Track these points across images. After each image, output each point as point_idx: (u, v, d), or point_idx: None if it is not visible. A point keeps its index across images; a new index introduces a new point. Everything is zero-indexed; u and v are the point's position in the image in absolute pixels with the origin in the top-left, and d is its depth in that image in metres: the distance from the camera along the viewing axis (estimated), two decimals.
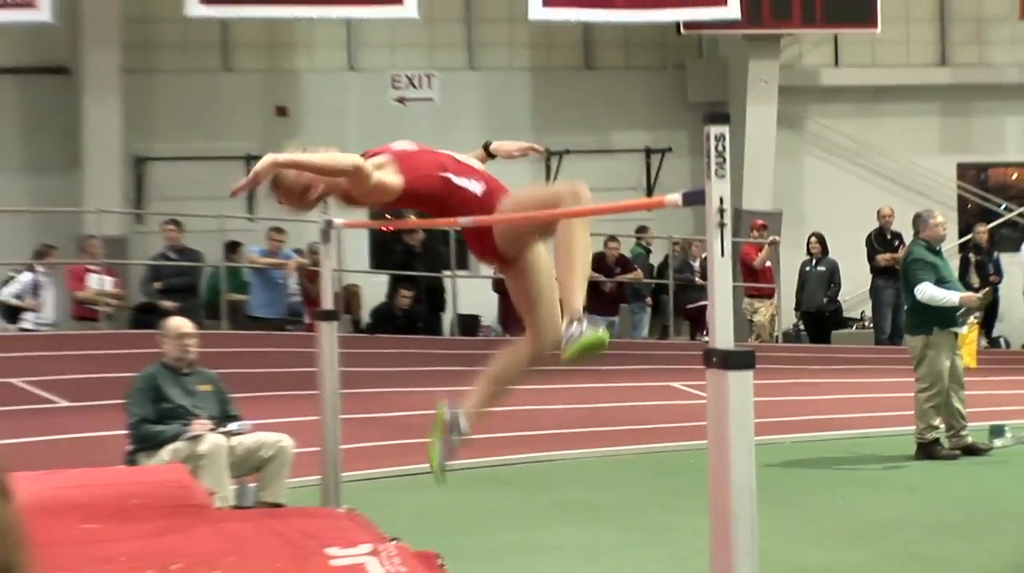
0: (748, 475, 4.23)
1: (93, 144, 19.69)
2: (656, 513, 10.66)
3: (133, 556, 5.60)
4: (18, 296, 17.94)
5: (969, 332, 13.52)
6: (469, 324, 20.61)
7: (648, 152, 22.74)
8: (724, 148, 4.18)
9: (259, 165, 5.95)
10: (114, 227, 19.44)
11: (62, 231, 19.56)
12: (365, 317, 20.27)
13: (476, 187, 6.09)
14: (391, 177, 6.03)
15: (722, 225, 4.15)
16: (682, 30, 21.48)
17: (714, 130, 4.16)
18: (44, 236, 19.11)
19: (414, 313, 19.53)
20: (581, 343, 5.69)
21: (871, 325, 21.74)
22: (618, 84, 22.69)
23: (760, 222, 21.10)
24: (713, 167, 4.17)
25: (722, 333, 4.24)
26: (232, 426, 10.12)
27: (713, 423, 4.28)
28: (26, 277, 18.06)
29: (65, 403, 13.73)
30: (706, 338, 4.35)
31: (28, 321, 18.00)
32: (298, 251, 19.05)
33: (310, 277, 18.50)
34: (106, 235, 18.50)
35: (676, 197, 4.52)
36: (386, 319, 19.50)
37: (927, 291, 12.69)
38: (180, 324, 10.55)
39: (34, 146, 20.75)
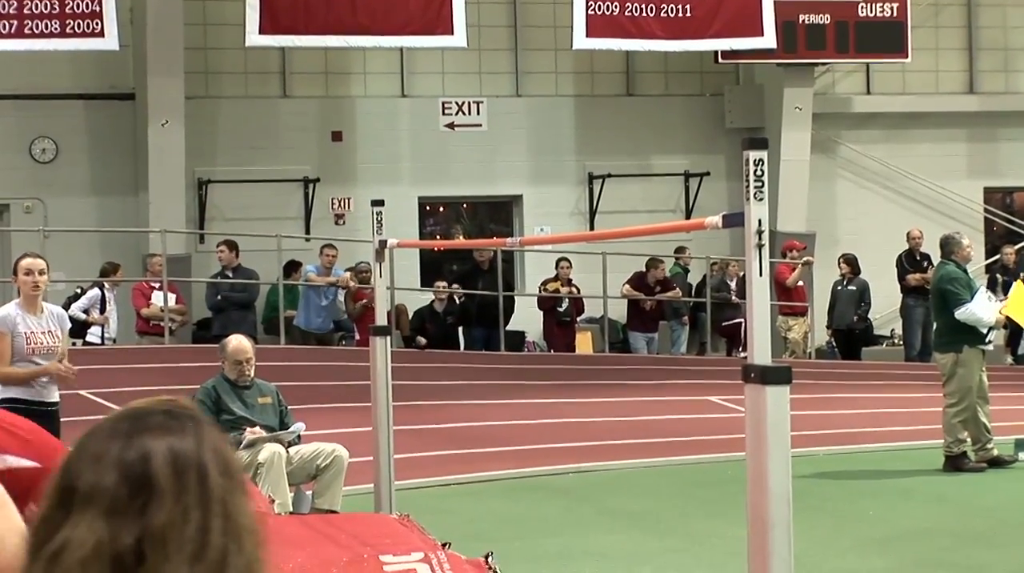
0: (785, 483, 4.29)
1: (157, 167, 19.69)
2: (695, 521, 10.93)
3: None
4: (85, 311, 18.10)
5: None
6: (515, 340, 20.69)
7: (687, 176, 22.69)
8: (762, 172, 4.20)
9: None
10: (177, 246, 19.47)
11: (127, 250, 19.71)
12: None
13: None
14: None
15: (760, 246, 4.20)
16: (720, 59, 21.48)
17: (753, 155, 4.21)
18: (110, 255, 19.33)
19: (453, 310, 19.80)
20: None
21: (901, 342, 21.80)
22: (658, 110, 22.71)
23: (795, 243, 21.20)
24: (752, 191, 4.21)
25: (760, 349, 4.29)
26: (289, 429, 10.44)
27: (751, 435, 4.34)
28: (93, 293, 18.26)
29: None
30: (743, 354, 4.68)
31: (94, 335, 18.18)
32: (349, 270, 19.27)
33: (355, 297, 18.87)
34: (169, 254, 18.50)
35: (716, 219, 4.66)
36: (428, 320, 19.78)
37: (971, 310, 12.86)
38: (239, 347, 10.52)
39: (101, 168, 20.64)
